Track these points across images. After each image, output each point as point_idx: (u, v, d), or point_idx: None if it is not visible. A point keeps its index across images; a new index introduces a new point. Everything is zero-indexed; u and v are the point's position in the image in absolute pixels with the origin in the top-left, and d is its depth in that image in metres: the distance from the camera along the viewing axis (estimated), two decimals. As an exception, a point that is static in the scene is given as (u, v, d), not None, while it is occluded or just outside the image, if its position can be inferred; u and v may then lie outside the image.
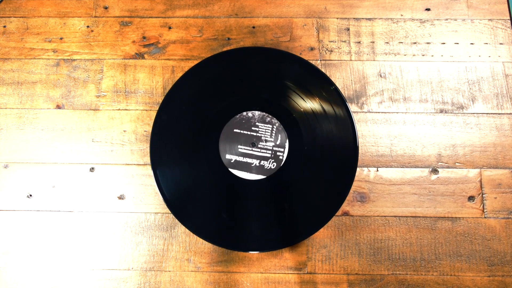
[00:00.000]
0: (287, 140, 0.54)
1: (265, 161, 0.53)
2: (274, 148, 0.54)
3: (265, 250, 0.52)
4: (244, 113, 0.54)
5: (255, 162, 0.53)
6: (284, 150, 0.54)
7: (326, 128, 0.54)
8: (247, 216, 0.52)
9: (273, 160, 0.53)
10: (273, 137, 0.54)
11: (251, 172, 0.53)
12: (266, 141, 0.54)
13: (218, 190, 0.53)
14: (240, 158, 0.53)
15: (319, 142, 0.53)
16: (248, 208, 0.53)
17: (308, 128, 0.54)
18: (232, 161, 0.53)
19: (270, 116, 0.54)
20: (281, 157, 0.53)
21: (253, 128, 0.54)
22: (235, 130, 0.54)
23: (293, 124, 0.54)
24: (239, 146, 0.54)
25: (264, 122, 0.54)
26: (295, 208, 0.52)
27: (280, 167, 0.53)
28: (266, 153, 0.54)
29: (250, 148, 0.54)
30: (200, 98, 0.56)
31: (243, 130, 0.54)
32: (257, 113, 0.54)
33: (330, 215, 0.52)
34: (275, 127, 0.54)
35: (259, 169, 0.53)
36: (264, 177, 0.53)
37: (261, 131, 0.54)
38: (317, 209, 0.52)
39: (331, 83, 0.55)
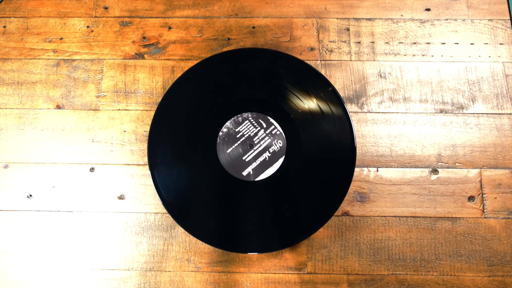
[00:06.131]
0: (269, 117, 0.54)
1: (272, 146, 0.53)
2: (267, 131, 0.54)
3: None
4: (220, 133, 0.54)
5: (266, 154, 0.53)
6: (275, 125, 0.54)
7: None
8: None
9: (276, 139, 0.53)
10: (257, 126, 0.54)
11: (271, 164, 0.53)
12: (255, 133, 0.54)
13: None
14: (255, 164, 0.53)
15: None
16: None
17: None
18: (251, 173, 0.53)
19: (240, 115, 0.54)
20: (278, 132, 0.53)
21: (237, 136, 0.54)
22: (228, 151, 0.54)
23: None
24: (244, 158, 0.54)
25: (239, 124, 0.54)
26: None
27: (285, 139, 0.53)
28: (266, 141, 0.54)
29: (252, 150, 0.54)
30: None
31: (233, 145, 0.54)
32: (228, 123, 0.54)
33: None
34: (250, 118, 0.54)
35: (275, 155, 0.53)
36: (284, 156, 0.53)
37: (244, 131, 0.54)
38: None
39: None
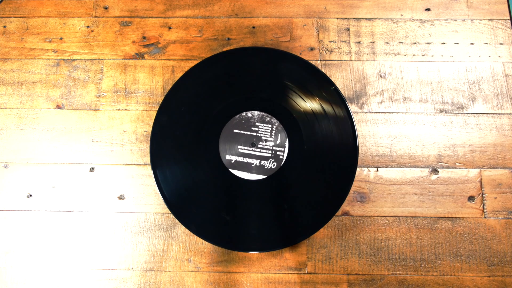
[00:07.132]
0: (287, 140, 0.54)
1: (265, 161, 0.53)
2: (274, 148, 0.54)
3: (265, 250, 0.52)
4: (244, 113, 0.54)
5: (256, 162, 0.53)
6: (284, 149, 0.54)
7: (326, 128, 0.54)
8: (247, 216, 0.52)
9: (273, 160, 0.53)
10: (273, 136, 0.54)
11: (251, 172, 0.53)
12: (266, 141, 0.54)
13: (218, 190, 0.53)
14: (240, 159, 0.53)
15: (319, 142, 0.54)
16: (248, 208, 0.53)
17: (308, 128, 0.54)
18: (232, 162, 0.53)
19: (269, 116, 0.54)
20: (281, 157, 0.53)
21: (252, 128, 0.54)
22: (234, 131, 0.54)
23: (293, 124, 0.54)
24: (239, 147, 0.54)
25: (263, 122, 0.54)
26: (295, 208, 0.52)
27: (281, 166, 0.53)
28: (266, 153, 0.54)
29: (250, 148, 0.54)
30: (200, 98, 0.56)
31: (242, 130, 0.54)
32: (256, 113, 0.54)
33: (330, 215, 0.52)
34: (274, 126, 0.54)
35: (260, 169, 0.53)
36: (265, 177, 0.53)
37: (261, 131, 0.54)
38: (317, 209, 0.52)
39: (331, 83, 0.55)
